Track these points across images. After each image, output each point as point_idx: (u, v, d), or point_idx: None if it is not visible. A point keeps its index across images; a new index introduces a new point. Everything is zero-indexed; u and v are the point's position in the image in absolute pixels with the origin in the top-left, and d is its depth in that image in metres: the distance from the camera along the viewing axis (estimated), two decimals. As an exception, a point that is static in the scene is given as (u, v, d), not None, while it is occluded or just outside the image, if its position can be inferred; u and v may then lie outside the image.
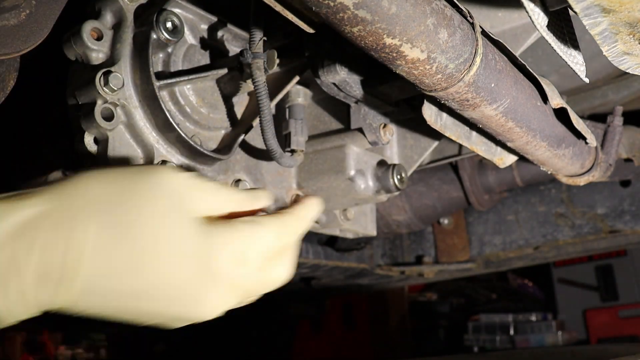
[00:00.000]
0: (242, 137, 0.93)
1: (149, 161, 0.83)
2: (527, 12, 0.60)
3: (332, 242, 2.06)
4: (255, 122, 0.93)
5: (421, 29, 0.55)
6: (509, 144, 0.85)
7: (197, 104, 0.90)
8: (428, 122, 0.79)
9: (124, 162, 0.81)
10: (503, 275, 4.09)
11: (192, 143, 0.84)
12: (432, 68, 0.60)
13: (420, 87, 0.66)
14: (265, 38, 0.84)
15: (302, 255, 1.77)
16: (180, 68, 0.88)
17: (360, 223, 1.24)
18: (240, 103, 0.97)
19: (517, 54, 0.75)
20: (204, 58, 0.92)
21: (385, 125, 1.04)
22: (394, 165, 1.09)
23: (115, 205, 0.48)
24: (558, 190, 1.85)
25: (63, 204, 0.47)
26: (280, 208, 0.60)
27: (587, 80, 0.68)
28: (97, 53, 0.80)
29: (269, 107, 0.84)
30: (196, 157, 0.88)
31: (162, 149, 0.85)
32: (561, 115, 0.85)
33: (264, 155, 1.02)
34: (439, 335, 4.00)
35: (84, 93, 0.79)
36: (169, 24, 0.81)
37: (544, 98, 0.79)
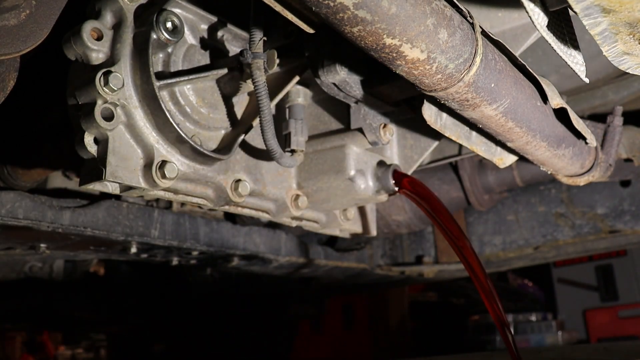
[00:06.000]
0: (242, 137, 0.93)
1: (149, 161, 0.83)
2: (527, 12, 0.59)
3: (332, 242, 2.06)
4: (255, 122, 0.93)
5: (421, 29, 0.55)
6: (509, 144, 0.85)
7: (197, 104, 0.90)
8: (428, 122, 0.79)
9: (124, 162, 0.80)
10: (503, 275, 4.09)
11: (192, 143, 0.84)
12: (432, 68, 0.60)
13: (420, 87, 0.66)
14: (265, 38, 0.84)
15: (302, 255, 1.77)
16: (180, 68, 0.88)
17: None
18: (240, 103, 0.97)
19: (517, 54, 0.75)
20: (204, 58, 0.92)
21: (385, 125, 1.04)
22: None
23: None
24: (558, 190, 1.85)
25: None
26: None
27: (587, 80, 0.68)
28: (97, 53, 0.80)
29: (269, 107, 0.84)
30: (196, 157, 0.88)
31: (162, 149, 0.85)
32: (561, 115, 0.85)
33: (264, 155, 1.02)
34: (439, 335, 4.00)
35: (84, 93, 0.79)
36: (169, 24, 0.81)
37: (544, 98, 0.79)
